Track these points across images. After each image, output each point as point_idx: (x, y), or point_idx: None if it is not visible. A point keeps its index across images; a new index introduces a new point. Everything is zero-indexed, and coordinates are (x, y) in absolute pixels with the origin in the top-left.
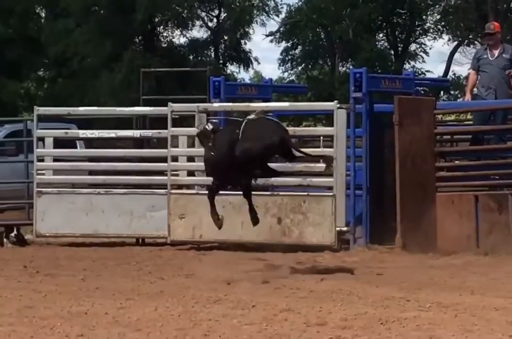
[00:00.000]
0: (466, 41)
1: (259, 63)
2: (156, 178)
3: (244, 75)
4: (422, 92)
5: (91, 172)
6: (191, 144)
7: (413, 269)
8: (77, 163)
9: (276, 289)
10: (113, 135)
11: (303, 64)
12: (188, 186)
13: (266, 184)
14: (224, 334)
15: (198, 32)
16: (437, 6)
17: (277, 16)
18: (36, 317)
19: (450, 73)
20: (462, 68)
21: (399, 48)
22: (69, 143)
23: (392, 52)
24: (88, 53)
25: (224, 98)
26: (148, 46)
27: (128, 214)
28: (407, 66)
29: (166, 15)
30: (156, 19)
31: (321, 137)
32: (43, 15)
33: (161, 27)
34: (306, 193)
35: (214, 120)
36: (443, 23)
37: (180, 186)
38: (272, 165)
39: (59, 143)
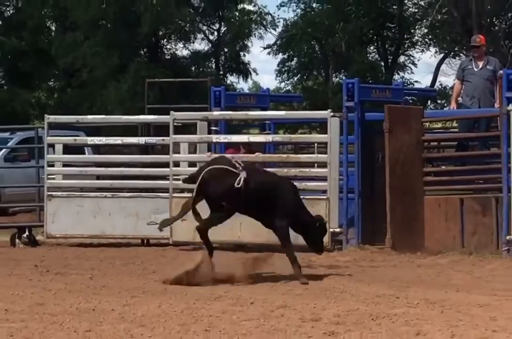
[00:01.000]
0: (452, 53)
1: (257, 74)
2: (160, 183)
3: (243, 85)
4: (411, 101)
5: (99, 177)
6: (192, 151)
7: (402, 268)
8: (85, 168)
9: (273, 286)
10: (119, 142)
11: (299, 75)
12: (190, 190)
13: None
14: (224, 329)
15: (200, 45)
16: (424, 21)
17: (274, 29)
18: (46, 314)
19: (437, 84)
20: (448, 78)
21: (389, 60)
22: (77, 149)
23: (383, 63)
24: (96, 65)
25: (224, 107)
26: (152, 58)
27: (134, 216)
28: (396, 76)
29: (169, 29)
30: (160, 33)
31: (316, 144)
32: (53, 28)
33: (165, 40)
34: (301, 197)
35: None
36: (430, 36)
37: (182, 190)
38: (268, 169)
39: (68, 149)
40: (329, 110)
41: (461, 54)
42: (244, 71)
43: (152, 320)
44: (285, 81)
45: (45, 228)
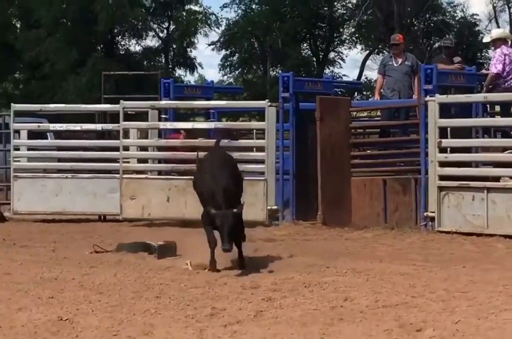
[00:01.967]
0: (376, 50)
1: (202, 68)
2: (115, 165)
3: (190, 78)
4: (339, 93)
5: (60, 160)
6: (144, 136)
7: (332, 241)
8: (48, 152)
9: (217, 258)
10: (78, 128)
11: (240, 69)
12: (138, 172)
13: None
14: (173, 296)
15: (151, 42)
16: (352, 21)
17: (218, 28)
18: (13, 282)
19: (363, 77)
20: (373, 72)
21: (320, 56)
22: (41, 135)
23: (315, 59)
24: (58, 59)
25: (173, 97)
26: (108, 53)
27: (92, 195)
28: (327, 71)
29: (123, 27)
30: (115, 30)
31: (255, 130)
32: (18, 26)
33: (120, 37)
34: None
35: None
36: (357, 35)
37: (132, 172)
38: None
39: (32, 134)
40: (267, 100)
41: (384, 51)
42: (190, 65)
43: (109, 288)
44: (228, 75)
45: (11, 205)
